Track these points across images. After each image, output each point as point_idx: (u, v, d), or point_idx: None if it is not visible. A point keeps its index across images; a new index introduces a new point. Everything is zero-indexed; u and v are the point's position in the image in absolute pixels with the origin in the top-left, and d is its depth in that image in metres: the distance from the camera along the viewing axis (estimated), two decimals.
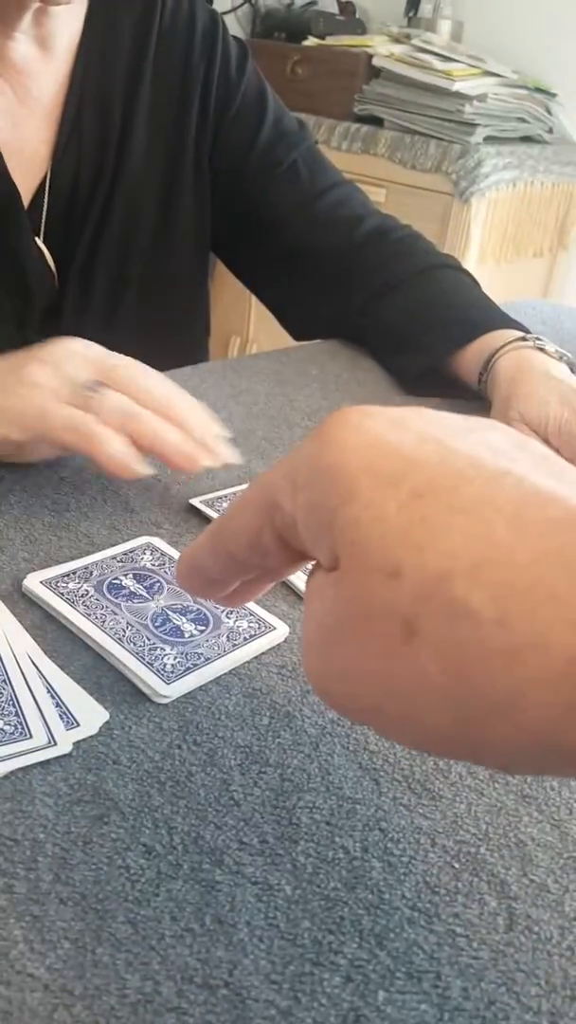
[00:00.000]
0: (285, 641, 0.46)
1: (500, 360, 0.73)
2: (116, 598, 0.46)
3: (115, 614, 0.45)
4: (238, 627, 0.45)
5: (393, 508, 0.24)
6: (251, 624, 0.46)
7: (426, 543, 0.23)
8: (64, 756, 0.37)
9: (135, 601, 0.46)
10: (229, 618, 0.46)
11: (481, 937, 0.32)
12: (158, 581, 0.48)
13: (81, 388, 0.53)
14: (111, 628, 0.44)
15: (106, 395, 0.53)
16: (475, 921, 0.33)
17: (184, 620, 0.45)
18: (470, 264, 1.89)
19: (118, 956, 0.30)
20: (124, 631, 0.44)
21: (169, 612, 0.46)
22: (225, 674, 0.43)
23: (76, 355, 0.55)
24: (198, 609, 0.46)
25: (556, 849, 0.36)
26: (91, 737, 0.38)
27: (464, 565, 0.22)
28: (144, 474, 0.51)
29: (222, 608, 0.46)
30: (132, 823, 0.35)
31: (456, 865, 0.35)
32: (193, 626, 0.45)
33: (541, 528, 0.22)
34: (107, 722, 0.39)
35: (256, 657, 0.44)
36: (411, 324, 0.82)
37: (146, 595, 0.47)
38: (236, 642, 0.44)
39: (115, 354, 0.57)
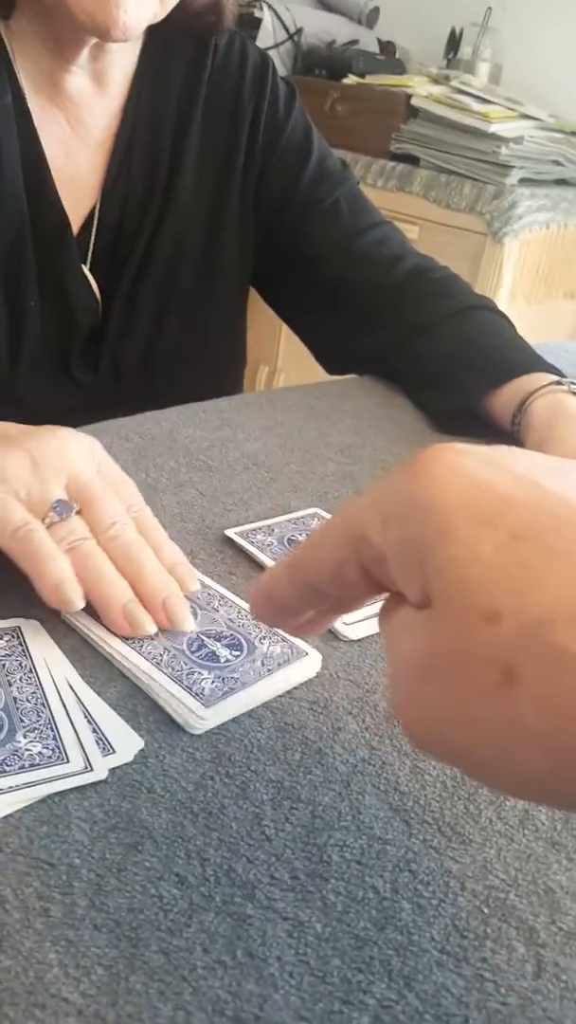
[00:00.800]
0: (317, 676, 0.46)
1: (534, 403, 0.74)
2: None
3: (152, 639, 0.46)
4: (272, 652, 0.46)
5: (490, 549, 0.24)
6: (284, 650, 0.46)
7: (525, 588, 0.23)
8: (100, 782, 0.38)
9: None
10: (263, 643, 0.47)
11: (509, 983, 0.32)
12: (192, 607, 0.48)
13: (49, 506, 0.48)
14: (148, 653, 0.45)
15: (68, 523, 0.48)
16: (503, 967, 0.33)
17: (219, 645, 0.46)
18: (501, 303, 1.90)
19: (151, 985, 0.30)
20: (161, 656, 0.45)
21: (204, 637, 0.46)
22: (258, 707, 0.44)
23: (60, 459, 0.49)
24: (232, 635, 0.47)
25: None
26: (126, 765, 0.39)
27: (566, 612, 0.22)
28: (78, 608, 0.45)
29: (255, 633, 0.47)
30: (165, 852, 0.35)
31: (485, 910, 0.35)
32: (228, 651, 0.46)
33: None
34: (142, 750, 0.40)
35: (288, 692, 0.45)
36: (447, 363, 0.83)
37: None
38: (271, 667, 0.45)
39: (105, 467, 0.52)
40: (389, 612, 0.30)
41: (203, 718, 0.41)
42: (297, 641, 0.47)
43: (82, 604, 0.45)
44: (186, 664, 0.44)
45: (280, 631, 0.47)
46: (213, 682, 0.43)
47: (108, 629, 0.46)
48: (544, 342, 1.12)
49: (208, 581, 0.51)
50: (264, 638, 0.47)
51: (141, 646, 0.45)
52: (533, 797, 0.25)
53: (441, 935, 0.34)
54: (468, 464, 0.27)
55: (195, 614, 0.48)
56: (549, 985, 0.33)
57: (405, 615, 0.28)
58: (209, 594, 0.50)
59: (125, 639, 0.45)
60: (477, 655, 0.24)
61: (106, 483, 0.51)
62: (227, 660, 0.45)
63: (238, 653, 0.46)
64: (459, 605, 0.24)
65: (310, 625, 0.38)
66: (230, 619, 0.48)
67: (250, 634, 0.47)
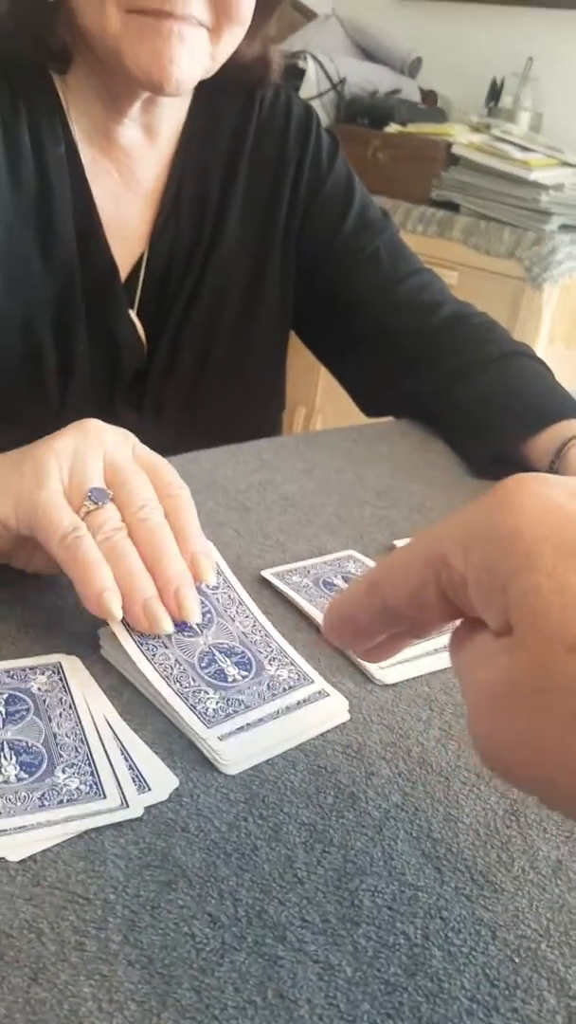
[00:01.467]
0: (351, 720, 0.47)
1: (572, 449, 0.74)
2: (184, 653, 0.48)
3: (165, 648, 0.47)
4: (279, 676, 0.47)
5: (575, 579, 0.25)
6: (291, 674, 0.48)
7: None
8: (135, 819, 0.38)
9: (186, 635, 0.48)
10: (271, 665, 0.48)
11: None
12: (209, 610, 0.50)
13: (86, 494, 0.50)
14: (160, 664, 0.46)
15: (103, 511, 0.49)
16: (534, 1018, 0.33)
17: (228, 663, 0.47)
18: (539, 348, 1.91)
19: (182, 1022, 0.31)
20: (172, 669, 0.46)
21: (215, 651, 0.48)
22: (291, 749, 0.44)
23: (96, 448, 0.52)
24: (243, 651, 0.48)
25: None
26: (161, 803, 0.40)
27: None
28: (117, 620, 0.46)
29: (264, 653, 0.48)
30: (199, 891, 0.36)
31: (516, 959, 0.35)
32: (236, 671, 0.47)
33: None
34: (176, 788, 0.40)
35: (322, 735, 0.45)
36: (485, 408, 0.83)
37: (195, 629, 0.49)
38: (276, 692, 0.46)
39: (140, 453, 0.54)
40: (462, 640, 0.30)
41: (216, 750, 0.42)
42: (321, 682, 0.48)
43: (120, 615, 0.46)
44: (194, 681, 0.45)
45: (290, 653, 0.49)
46: (218, 703, 0.45)
47: (142, 660, 0.47)
48: None
49: (231, 579, 0.53)
50: (273, 659, 0.48)
51: (154, 656, 0.46)
52: None
53: (471, 983, 0.34)
54: (552, 494, 0.27)
55: (211, 621, 0.49)
56: None
57: (483, 643, 0.28)
58: (230, 597, 0.51)
59: (145, 653, 0.47)
60: (560, 684, 0.24)
61: (140, 467, 0.53)
62: (234, 680, 0.46)
63: (246, 674, 0.47)
64: (542, 634, 0.25)
65: (380, 650, 0.38)
66: (243, 632, 0.49)
67: (260, 653, 0.48)
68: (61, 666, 0.47)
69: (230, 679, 0.46)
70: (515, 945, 0.36)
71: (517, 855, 0.40)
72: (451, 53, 2.47)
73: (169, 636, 0.47)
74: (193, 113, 0.87)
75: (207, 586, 0.51)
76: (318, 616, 0.54)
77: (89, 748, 0.41)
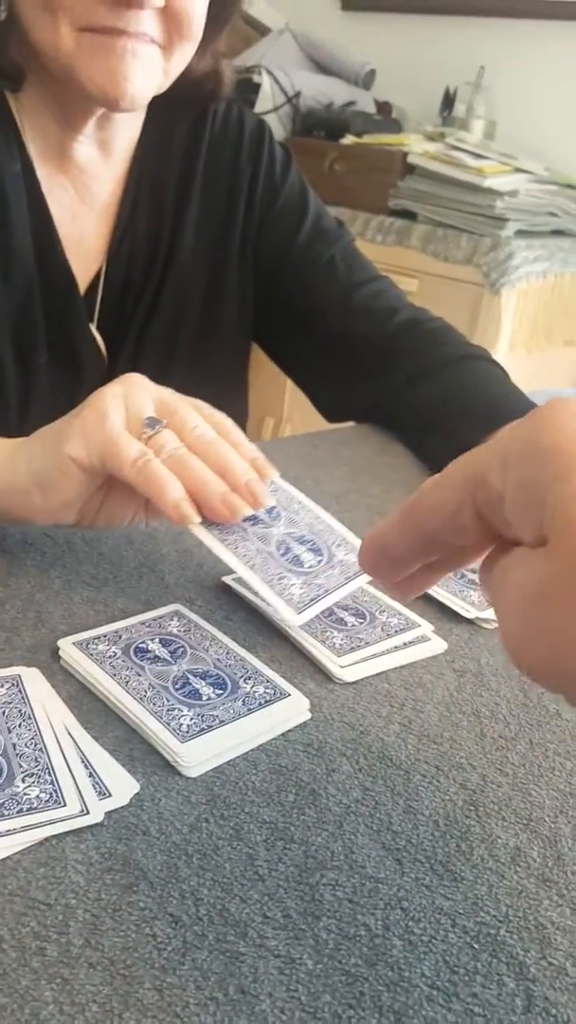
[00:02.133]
0: (312, 719, 0.47)
1: None
2: (141, 661, 0.48)
3: (139, 676, 0.47)
4: (255, 692, 0.47)
5: None
6: (267, 690, 0.48)
7: None
8: (96, 825, 0.39)
9: (159, 664, 0.49)
10: (247, 684, 0.48)
11: (499, 1018, 0.33)
12: (182, 646, 0.50)
13: (143, 424, 0.55)
14: (135, 689, 0.46)
15: (161, 435, 0.55)
16: (493, 1002, 0.33)
17: (203, 684, 0.47)
18: (501, 352, 1.93)
19: (144, 1021, 0.31)
20: (145, 692, 0.46)
21: (189, 675, 0.48)
22: (252, 750, 0.44)
23: (143, 389, 0.58)
24: (217, 674, 0.48)
25: (575, 933, 0.37)
26: (122, 807, 0.40)
27: None
28: (196, 522, 0.52)
29: (240, 674, 0.49)
30: (160, 893, 0.36)
31: (476, 946, 0.36)
32: (212, 690, 0.47)
33: None
34: (137, 793, 0.41)
35: (283, 734, 0.46)
36: (442, 410, 0.84)
37: (169, 659, 0.49)
38: (251, 707, 0.46)
39: (176, 394, 0.59)
40: (495, 559, 0.31)
41: (178, 752, 0.42)
42: (282, 682, 0.48)
43: (199, 519, 0.52)
44: (168, 701, 0.46)
45: (267, 672, 0.49)
46: (192, 719, 0.44)
47: (99, 666, 0.47)
48: (543, 389, 1.14)
49: (200, 621, 0.53)
50: (248, 679, 0.48)
51: (127, 683, 0.46)
52: None
53: (432, 971, 0.34)
54: None
55: (185, 653, 0.50)
56: (539, 1019, 0.33)
57: (517, 554, 0.29)
58: (202, 635, 0.51)
59: (112, 675, 0.47)
60: None
61: (184, 400, 0.58)
62: (209, 698, 0.46)
63: (221, 692, 0.47)
64: (573, 534, 0.26)
65: (412, 583, 0.37)
66: (218, 659, 0.50)
67: (235, 674, 0.48)
68: (20, 678, 0.47)
69: (204, 698, 0.46)
70: (475, 932, 0.36)
71: (476, 844, 0.40)
72: (404, 64, 2.50)
73: (244, 529, 0.53)
74: (147, 128, 0.88)
75: (177, 630, 0.52)
76: (277, 616, 0.54)
77: (49, 757, 0.42)
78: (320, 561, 0.51)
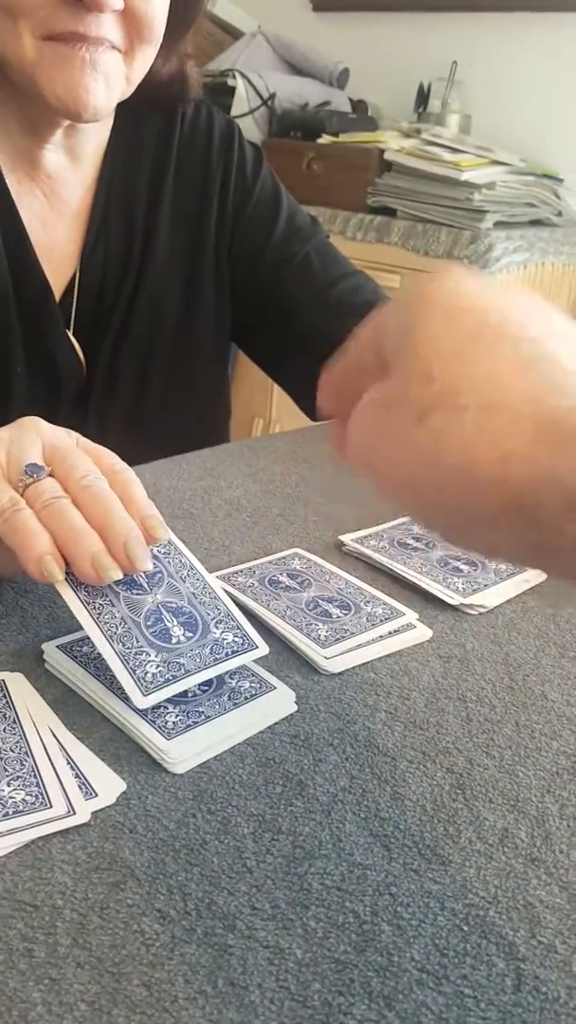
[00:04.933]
0: (298, 711, 0.47)
1: None
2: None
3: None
4: (240, 686, 0.47)
5: (450, 338, 0.33)
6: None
7: (459, 367, 0.32)
8: (83, 825, 0.39)
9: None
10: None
11: (489, 998, 0.33)
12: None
13: (23, 471, 0.52)
14: (119, 689, 0.46)
15: (41, 483, 0.51)
16: (483, 982, 0.33)
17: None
18: None
19: (133, 1018, 0.31)
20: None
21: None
22: (239, 744, 0.44)
23: (33, 433, 0.55)
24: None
25: (564, 911, 0.37)
26: (109, 807, 0.40)
27: (474, 386, 0.31)
28: (59, 580, 0.47)
29: (212, 616, 0.49)
30: (148, 889, 0.36)
31: (465, 928, 0.36)
32: (182, 631, 0.47)
33: (540, 377, 0.31)
34: (124, 792, 0.41)
35: (269, 727, 0.46)
36: None
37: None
38: (237, 701, 0.47)
39: (83, 442, 0.56)
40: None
41: (163, 750, 0.42)
42: (267, 675, 0.48)
43: (61, 577, 0.47)
44: (137, 642, 0.46)
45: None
46: (177, 716, 0.45)
47: (87, 673, 0.47)
48: None
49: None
50: (235, 674, 0.48)
51: (112, 683, 0.46)
52: (428, 514, 0.34)
53: (421, 955, 0.34)
54: (467, 280, 0.35)
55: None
56: (529, 998, 0.33)
57: (376, 385, 0.36)
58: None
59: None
60: (409, 400, 0.33)
61: (82, 450, 0.54)
62: (194, 694, 0.46)
63: (206, 688, 0.47)
64: (411, 368, 0.33)
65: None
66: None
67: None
68: (4, 683, 0.47)
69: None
70: (463, 914, 0.36)
71: (464, 827, 0.40)
72: (377, 62, 2.50)
73: (117, 593, 0.48)
74: (116, 133, 0.88)
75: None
76: (264, 614, 0.54)
77: (34, 760, 0.41)
78: (191, 638, 0.47)
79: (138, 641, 0.46)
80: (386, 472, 0.35)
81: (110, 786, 0.41)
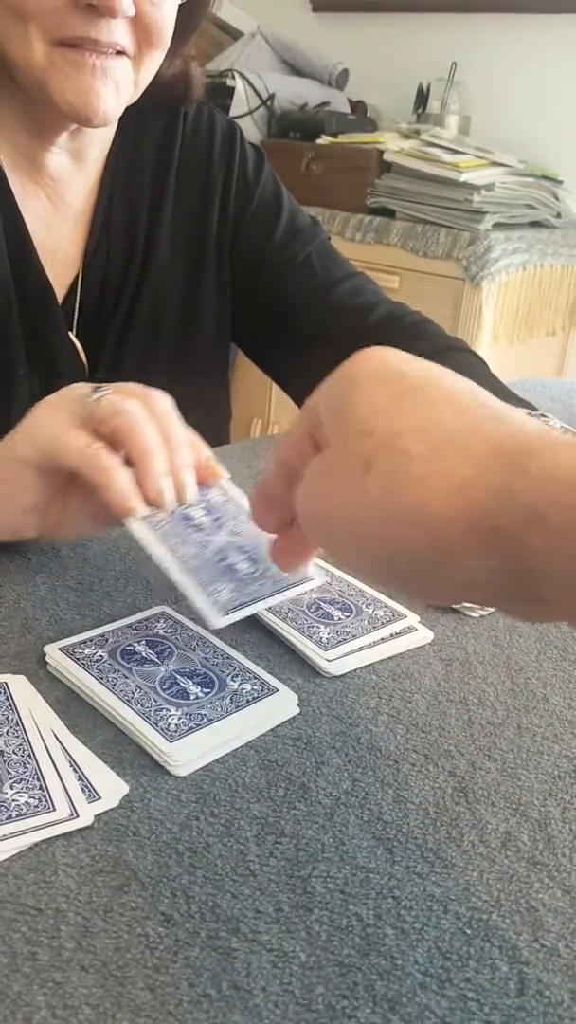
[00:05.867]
0: (300, 714, 0.47)
1: None
2: (128, 663, 0.48)
3: (126, 678, 0.47)
4: (242, 690, 0.47)
5: (382, 396, 0.35)
6: (255, 687, 0.48)
7: (395, 416, 0.34)
8: (86, 828, 0.39)
9: (146, 666, 0.49)
10: (234, 681, 0.48)
11: (492, 1002, 0.33)
12: (169, 647, 0.50)
13: (86, 398, 0.55)
14: (121, 691, 0.46)
15: (107, 397, 0.54)
16: (487, 986, 0.33)
17: (191, 683, 0.47)
18: (483, 344, 1.93)
19: (137, 1021, 0.31)
20: (133, 694, 0.46)
21: (177, 675, 0.48)
22: (242, 747, 0.44)
23: (84, 386, 0.58)
24: (205, 672, 0.48)
25: (567, 914, 0.37)
26: (112, 809, 0.40)
27: (414, 428, 0.33)
28: (139, 516, 0.51)
29: (227, 672, 0.49)
30: (151, 893, 0.36)
31: (468, 931, 0.36)
32: (199, 688, 0.47)
33: (477, 415, 0.33)
34: (127, 795, 0.41)
35: (272, 730, 0.46)
36: None
37: (156, 660, 0.49)
38: (240, 704, 0.46)
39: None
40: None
41: (166, 752, 0.42)
42: (268, 678, 0.48)
43: (143, 512, 0.51)
44: (155, 701, 0.46)
45: (254, 669, 0.49)
46: (180, 719, 0.44)
47: (86, 671, 0.47)
48: (526, 379, 1.14)
49: (188, 623, 0.53)
50: (236, 676, 0.48)
51: (114, 685, 0.46)
52: (370, 563, 0.35)
53: (424, 958, 0.34)
54: (389, 352, 0.37)
55: (172, 654, 0.50)
56: (532, 1002, 0.33)
57: (318, 456, 0.38)
58: (188, 635, 0.51)
59: (99, 679, 0.47)
60: (352, 457, 0.34)
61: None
62: (197, 697, 0.46)
63: (208, 690, 0.47)
64: (350, 428, 0.35)
65: (293, 549, 0.46)
66: (205, 658, 0.50)
67: (223, 672, 0.48)
68: (7, 686, 0.47)
69: (192, 697, 0.46)
70: (467, 917, 0.36)
71: (466, 830, 0.40)
72: (377, 63, 2.51)
73: (186, 536, 0.52)
74: (119, 135, 0.88)
75: (162, 627, 0.53)
76: (266, 616, 0.54)
77: (37, 763, 0.42)
78: (255, 572, 0.50)
79: (210, 573, 0.49)
80: (341, 534, 0.35)
81: (113, 789, 0.41)
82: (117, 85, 0.74)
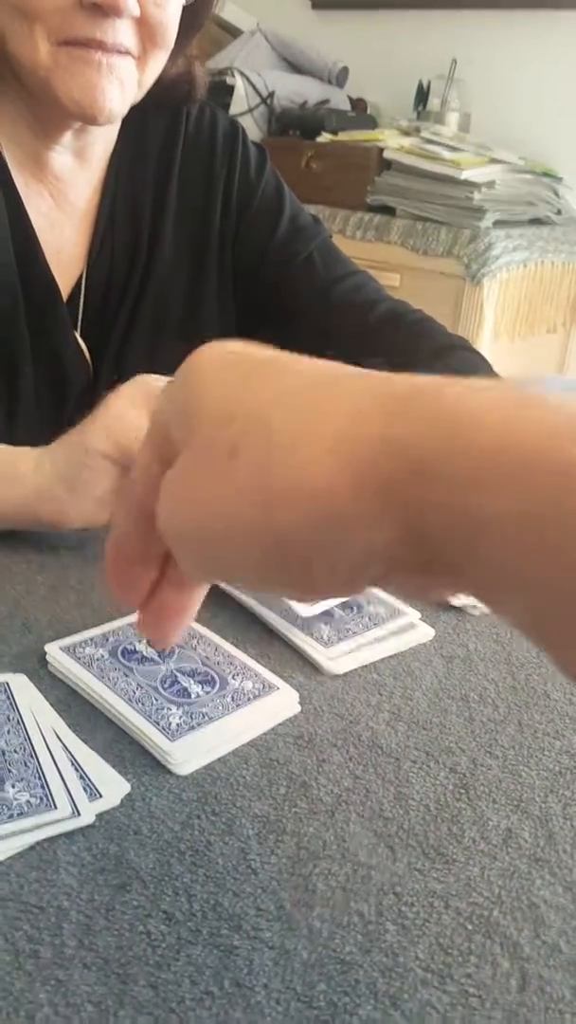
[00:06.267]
0: (302, 712, 0.47)
1: None
2: (129, 662, 0.48)
3: (127, 676, 0.47)
4: (243, 688, 0.47)
5: (233, 381, 0.31)
6: (256, 685, 0.48)
7: (250, 396, 0.30)
8: (88, 827, 0.39)
9: (146, 664, 0.48)
10: (235, 680, 0.48)
11: (494, 997, 0.33)
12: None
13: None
14: (122, 690, 0.46)
15: None
16: (488, 982, 0.33)
17: (192, 682, 0.47)
18: (484, 342, 1.93)
19: (139, 1019, 0.31)
20: (134, 692, 0.46)
21: (178, 674, 0.48)
22: (243, 745, 0.44)
23: (156, 380, 0.58)
24: (206, 671, 0.48)
25: (568, 911, 0.37)
26: (113, 808, 0.40)
27: (272, 400, 0.30)
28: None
29: (228, 670, 0.49)
30: (153, 891, 0.36)
31: (469, 927, 0.36)
32: (200, 687, 0.47)
33: (339, 380, 0.30)
34: (129, 794, 0.41)
35: (273, 728, 0.46)
36: None
37: (157, 659, 0.49)
38: (240, 702, 0.46)
39: None
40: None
41: (167, 751, 0.42)
42: (270, 676, 0.48)
43: None
44: (157, 700, 0.46)
45: (256, 667, 0.49)
46: (181, 717, 0.45)
47: (86, 669, 0.47)
48: (528, 377, 1.14)
49: (192, 624, 0.53)
50: (237, 674, 0.48)
51: (115, 684, 0.47)
52: (249, 564, 0.30)
53: (426, 954, 0.34)
54: (225, 343, 0.34)
55: (172, 652, 0.50)
56: (534, 998, 0.33)
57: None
58: (189, 633, 0.51)
59: (100, 677, 0.47)
60: (215, 446, 0.30)
61: None
62: (198, 695, 0.46)
63: (209, 689, 0.47)
64: (207, 419, 0.31)
65: (162, 609, 0.39)
66: (206, 656, 0.50)
67: (224, 671, 0.48)
68: (8, 685, 0.47)
69: (193, 695, 0.46)
70: (467, 913, 0.36)
71: (467, 827, 0.40)
72: (376, 60, 2.50)
73: (130, 669, 0.48)
74: (122, 134, 0.88)
75: None
76: (266, 613, 0.54)
77: (38, 762, 0.42)
78: (210, 691, 0.47)
79: (157, 700, 0.46)
80: (219, 541, 0.31)
81: (114, 788, 0.41)
82: (122, 83, 0.74)
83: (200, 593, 0.39)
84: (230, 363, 0.32)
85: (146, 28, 0.74)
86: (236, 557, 0.31)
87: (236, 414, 0.30)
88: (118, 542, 0.37)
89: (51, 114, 0.79)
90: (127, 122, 0.88)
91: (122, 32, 0.72)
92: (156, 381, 0.59)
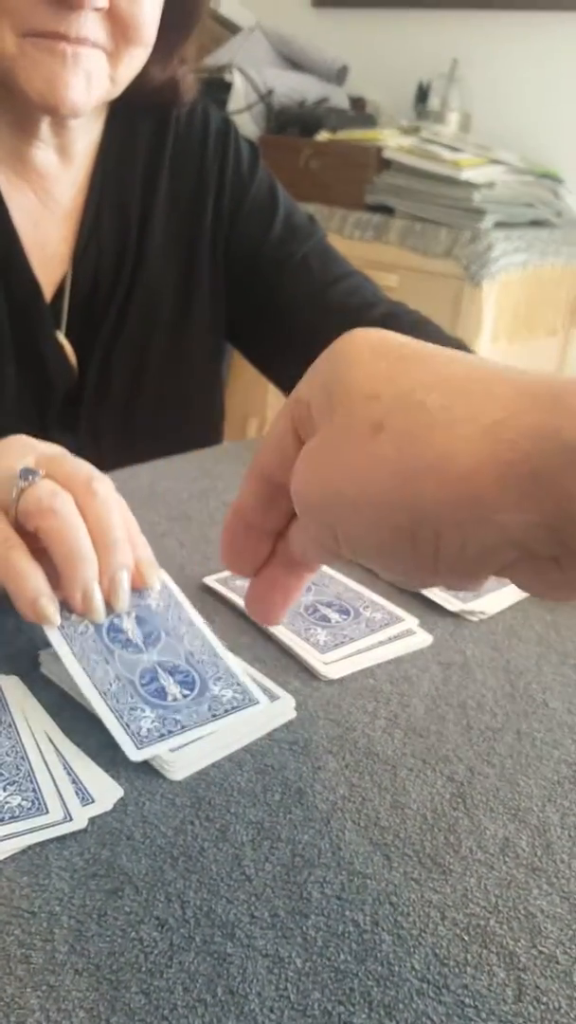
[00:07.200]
0: (297, 718, 0.47)
1: None
2: (112, 643, 0.47)
3: (107, 663, 0.46)
4: (237, 692, 0.46)
5: (383, 364, 0.32)
6: (236, 694, 0.46)
7: (400, 377, 0.31)
8: (80, 831, 0.38)
9: (129, 650, 0.47)
10: (215, 685, 0.47)
11: (490, 1008, 0.33)
12: (157, 631, 0.49)
13: (14, 481, 0.49)
14: (99, 680, 0.45)
15: (37, 485, 0.49)
16: (484, 992, 0.33)
17: (171, 681, 0.46)
18: (484, 344, 1.93)
19: None
20: (110, 685, 0.45)
21: (159, 669, 0.47)
22: (237, 750, 0.44)
23: (23, 448, 0.53)
24: (188, 671, 0.47)
25: (565, 921, 0.36)
26: (106, 813, 0.39)
27: (426, 384, 0.30)
28: (55, 625, 0.46)
29: (211, 673, 0.47)
30: (146, 897, 0.36)
31: (466, 937, 0.35)
32: (179, 689, 0.46)
33: (495, 372, 0.30)
34: (121, 798, 0.40)
35: (268, 734, 0.45)
36: None
37: (141, 645, 0.48)
38: (235, 707, 0.45)
39: (73, 458, 0.54)
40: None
41: (162, 756, 0.42)
42: (266, 681, 0.48)
43: (57, 622, 0.46)
44: (131, 698, 0.45)
45: (237, 674, 0.48)
46: (152, 722, 0.44)
47: (72, 656, 0.46)
48: None
49: (181, 598, 0.52)
50: (219, 679, 0.47)
51: (94, 669, 0.45)
52: (384, 533, 0.30)
53: (422, 964, 0.34)
54: (379, 330, 0.34)
55: (159, 639, 0.48)
56: (530, 1008, 0.33)
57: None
58: (179, 617, 0.50)
59: (83, 664, 0.46)
60: (358, 422, 0.31)
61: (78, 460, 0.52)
62: (175, 699, 0.45)
63: (188, 692, 0.46)
64: (352, 393, 0.31)
65: (271, 591, 0.39)
66: (191, 652, 0.48)
67: (206, 673, 0.47)
68: (0, 687, 0.46)
69: (170, 697, 0.45)
70: (464, 923, 0.36)
71: (464, 836, 0.40)
72: (376, 59, 2.50)
73: (112, 652, 0.47)
74: (109, 132, 0.87)
75: (156, 602, 0.50)
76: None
77: (30, 765, 0.41)
78: (187, 695, 0.45)
79: (132, 698, 0.45)
80: (351, 510, 0.31)
81: (107, 792, 0.41)
82: (89, 75, 0.73)
83: (308, 577, 0.40)
84: (382, 349, 0.33)
85: (117, 22, 0.73)
86: (365, 527, 0.31)
87: (383, 393, 0.31)
88: (239, 510, 0.38)
89: (23, 107, 0.78)
90: (114, 119, 0.87)
91: (88, 26, 0.71)
92: (26, 443, 0.55)
